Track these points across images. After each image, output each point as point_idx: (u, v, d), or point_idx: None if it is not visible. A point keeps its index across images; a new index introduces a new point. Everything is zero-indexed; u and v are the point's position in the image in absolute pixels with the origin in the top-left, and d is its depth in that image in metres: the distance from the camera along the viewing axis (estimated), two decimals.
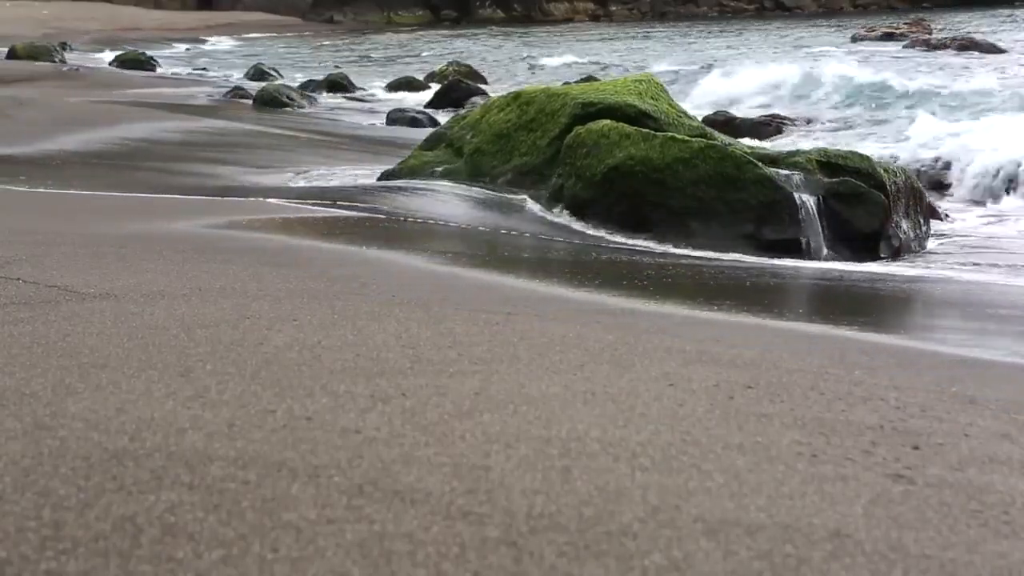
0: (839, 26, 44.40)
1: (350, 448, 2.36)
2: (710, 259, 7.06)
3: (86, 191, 7.59)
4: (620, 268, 6.37)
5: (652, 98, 8.60)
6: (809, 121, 16.51)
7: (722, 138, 8.57)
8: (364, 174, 9.78)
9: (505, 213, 7.94)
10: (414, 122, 16.34)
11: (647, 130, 7.91)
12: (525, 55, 35.11)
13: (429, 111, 18.09)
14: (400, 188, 8.47)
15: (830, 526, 2.11)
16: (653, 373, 3.17)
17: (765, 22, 53.62)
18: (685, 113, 8.89)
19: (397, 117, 16.84)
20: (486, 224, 7.45)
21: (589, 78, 19.50)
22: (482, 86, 22.18)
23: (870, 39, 34.22)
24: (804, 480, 2.35)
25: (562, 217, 7.93)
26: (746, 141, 9.30)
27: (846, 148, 9.17)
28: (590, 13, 64.92)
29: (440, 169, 8.79)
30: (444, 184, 8.44)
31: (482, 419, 2.61)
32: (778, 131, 15.25)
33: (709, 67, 23.85)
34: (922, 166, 11.52)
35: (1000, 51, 27.78)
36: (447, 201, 8.04)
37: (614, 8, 65.41)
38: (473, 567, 1.85)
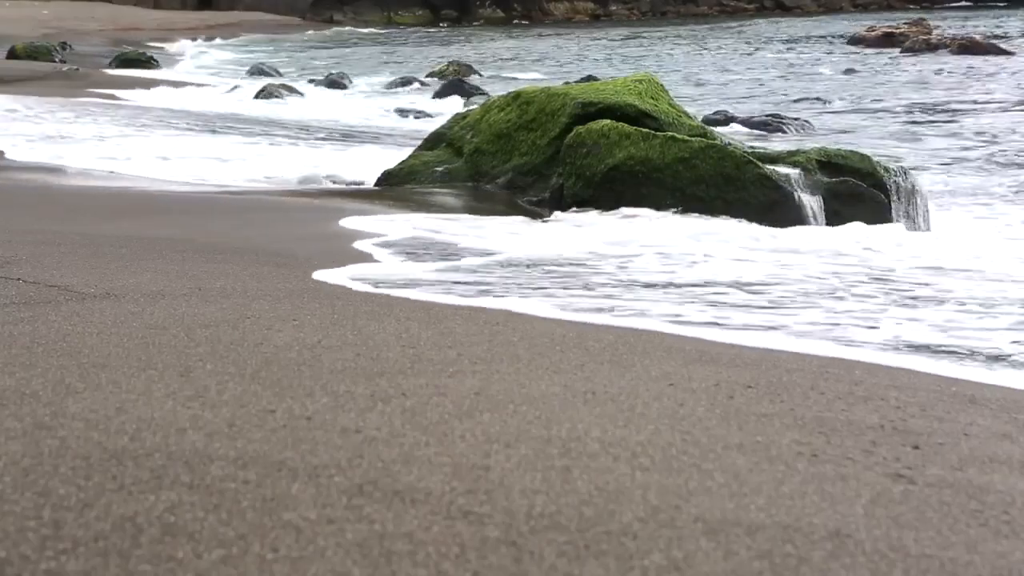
0: (838, 26, 44.36)
1: (350, 448, 2.35)
2: None
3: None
4: None
5: (652, 98, 8.58)
6: None
7: (722, 138, 8.57)
8: (362, 172, 9.76)
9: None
10: (413, 118, 16.42)
11: (647, 130, 7.91)
12: (526, 55, 35.09)
13: (428, 109, 18.15)
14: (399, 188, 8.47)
15: (830, 526, 2.11)
16: (653, 373, 3.17)
17: (764, 21, 53.57)
18: (685, 113, 8.86)
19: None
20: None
21: (589, 78, 19.51)
22: (482, 85, 22.21)
23: (869, 40, 34.11)
24: (804, 480, 2.35)
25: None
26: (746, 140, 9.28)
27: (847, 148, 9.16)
28: (590, 13, 64.89)
29: (440, 169, 8.77)
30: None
31: (482, 419, 2.61)
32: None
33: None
34: None
35: (1005, 52, 27.57)
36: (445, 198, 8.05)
37: (614, 8, 65.39)
38: (473, 567, 1.85)
